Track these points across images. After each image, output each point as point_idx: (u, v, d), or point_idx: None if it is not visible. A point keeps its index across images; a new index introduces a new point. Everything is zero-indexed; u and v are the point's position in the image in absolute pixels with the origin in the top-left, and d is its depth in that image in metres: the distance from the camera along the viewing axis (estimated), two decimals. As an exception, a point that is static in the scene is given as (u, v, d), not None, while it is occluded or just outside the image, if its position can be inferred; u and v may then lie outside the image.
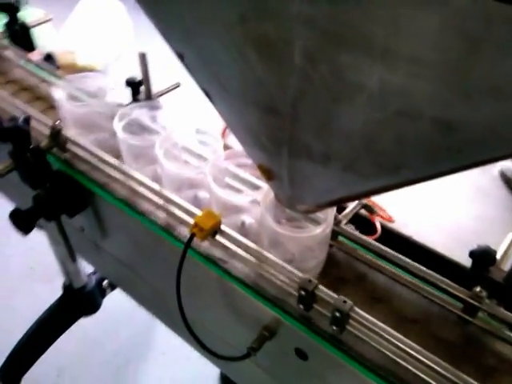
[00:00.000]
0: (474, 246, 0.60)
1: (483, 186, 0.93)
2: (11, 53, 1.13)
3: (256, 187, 0.71)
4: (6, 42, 1.15)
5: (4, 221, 0.83)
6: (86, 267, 1.29)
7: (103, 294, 1.49)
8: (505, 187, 0.93)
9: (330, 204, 0.57)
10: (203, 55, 0.50)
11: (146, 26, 0.53)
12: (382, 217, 0.73)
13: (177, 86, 0.98)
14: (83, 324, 1.48)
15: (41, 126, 0.86)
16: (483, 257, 0.59)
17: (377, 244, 0.65)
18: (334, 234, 0.67)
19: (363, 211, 0.72)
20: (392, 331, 0.54)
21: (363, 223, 0.72)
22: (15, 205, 1.14)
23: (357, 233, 0.67)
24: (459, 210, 0.88)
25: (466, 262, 0.62)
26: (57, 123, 0.82)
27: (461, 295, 0.58)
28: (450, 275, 0.63)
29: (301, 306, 0.60)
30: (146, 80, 0.90)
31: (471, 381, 0.49)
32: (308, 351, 0.63)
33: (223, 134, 0.83)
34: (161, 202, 0.72)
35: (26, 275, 1.88)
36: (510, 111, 0.35)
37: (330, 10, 0.35)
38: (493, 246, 0.61)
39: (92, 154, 0.79)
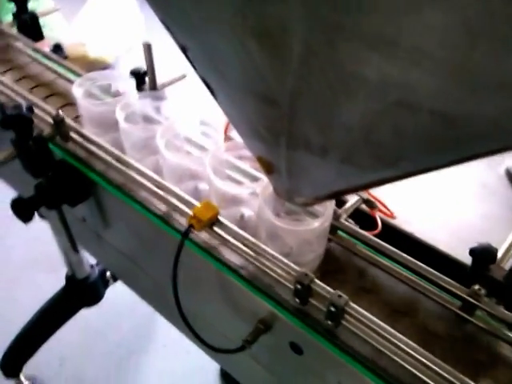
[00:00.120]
0: (474, 244, 0.59)
1: (489, 184, 0.91)
2: (19, 42, 1.13)
3: (256, 179, 0.71)
4: (14, 31, 1.15)
5: (7, 210, 0.84)
6: (90, 258, 1.29)
7: (106, 284, 1.50)
8: (511, 186, 0.91)
9: (328, 197, 0.56)
10: (204, 46, 0.49)
11: (157, 18, 0.52)
12: (383, 212, 0.72)
13: (183, 77, 0.97)
14: (86, 315, 1.49)
15: (45, 115, 0.86)
16: (483, 255, 0.58)
17: (376, 240, 0.64)
18: (334, 229, 0.67)
19: (364, 207, 0.72)
20: (387, 327, 0.53)
21: (364, 218, 0.71)
22: (18, 193, 1.14)
23: (356, 228, 0.66)
24: (464, 207, 0.87)
25: (469, 260, 0.61)
26: (59, 112, 0.82)
27: (459, 293, 0.57)
28: (451, 273, 0.62)
29: (297, 300, 0.59)
30: (150, 71, 0.89)
31: (464, 378, 0.48)
32: (303, 345, 0.62)
33: (226, 129, 0.83)
34: (160, 192, 0.71)
35: (30, 265, 1.90)
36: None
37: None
38: (497, 245, 0.60)
39: (93, 143, 0.79)
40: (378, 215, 0.71)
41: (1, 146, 0.84)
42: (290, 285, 0.59)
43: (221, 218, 0.65)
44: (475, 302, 0.56)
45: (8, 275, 1.87)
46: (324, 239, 0.65)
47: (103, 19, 2.62)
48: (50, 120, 0.83)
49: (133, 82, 0.91)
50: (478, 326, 0.57)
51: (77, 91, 0.83)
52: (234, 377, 0.92)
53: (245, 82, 0.50)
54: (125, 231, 0.90)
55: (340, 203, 0.70)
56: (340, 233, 0.68)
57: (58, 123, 0.82)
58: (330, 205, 0.62)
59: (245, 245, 0.63)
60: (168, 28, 0.50)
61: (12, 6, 1.15)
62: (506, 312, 0.55)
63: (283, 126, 0.49)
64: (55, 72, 1.05)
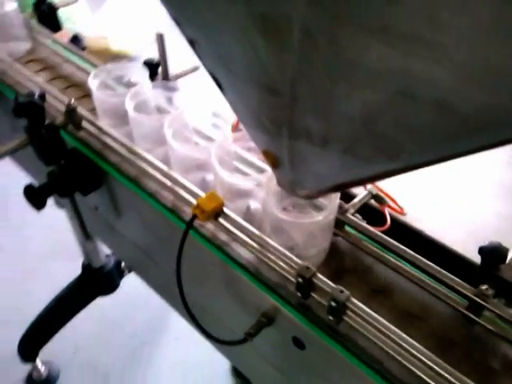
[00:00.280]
0: (484, 243, 0.57)
1: (507, 183, 0.88)
2: (38, 32, 1.14)
3: (263, 171, 0.70)
4: (33, 21, 1.16)
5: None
6: (105, 248, 1.30)
7: (121, 274, 1.51)
8: (530, 185, 0.88)
9: (331, 189, 0.55)
10: (209, 36, 0.49)
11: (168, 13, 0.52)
12: (392, 208, 0.70)
13: (195, 69, 0.97)
14: (101, 305, 1.51)
15: (59, 104, 0.87)
16: (493, 254, 0.56)
17: (382, 236, 0.63)
18: (340, 224, 0.65)
19: (373, 202, 0.70)
20: (389, 325, 0.52)
21: (373, 214, 0.69)
22: (34, 180, 1.16)
23: (363, 223, 0.65)
24: (479, 206, 0.84)
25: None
26: (72, 101, 0.82)
27: (466, 292, 0.55)
28: (461, 273, 0.60)
29: (298, 294, 0.58)
30: (163, 61, 0.89)
31: (468, 381, 0.47)
32: (305, 340, 0.62)
33: (238, 122, 0.82)
34: (167, 182, 0.71)
35: (47, 255, 1.93)
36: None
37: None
38: (512, 246, 0.58)
39: (104, 132, 0.79)
40: (387, 211, 0.69)
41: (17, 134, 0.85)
42: (292, 278, 0.58)
43: (226, 210, 0.64)
44: (482, 302, 0.54)
45: (25, 265, 1.91)
46: (329, 233, 0.64)
47: (126, 12, 2.63)
48: (63, 109, 0.83)
49: (146, 73, 0.91)
50: (485, 327, 0.55)
51: (92, 82, 0.83)
52: (241, 370, 0.91)
53: (248, 72, 0.49)
54: (135, 221, 0.91)
55: (348, 198, 0.68)
56: (347, 228, 0.66)
57: (70, 112, 0.82)
58: (335, 198, 0.61)
59: (249, 237, 0.63)
60: (177, 22, 0.50)
61: (33, -3, 1.17)
62: (513, 313, 0.53)
63: (285, 115, 0.48)
64: (73, 63, 1.06)
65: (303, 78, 0.43)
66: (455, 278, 0.57)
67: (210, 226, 0.68)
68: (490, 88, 0.34)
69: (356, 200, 0.68)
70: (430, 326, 0.58)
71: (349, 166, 0.48)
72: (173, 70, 0.94)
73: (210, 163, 0.70)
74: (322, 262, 0.65)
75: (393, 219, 0.70)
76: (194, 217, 0.63)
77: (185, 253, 0.64)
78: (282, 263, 0.59)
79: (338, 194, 0.61)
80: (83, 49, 1.26)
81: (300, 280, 0.57)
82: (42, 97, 0.80)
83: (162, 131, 0.73)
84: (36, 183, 0.85)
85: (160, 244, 0.87)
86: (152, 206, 0.76)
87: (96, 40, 2.48)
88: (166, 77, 0.91)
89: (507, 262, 0.57)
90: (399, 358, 0.51)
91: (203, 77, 1.01)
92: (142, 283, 1.10)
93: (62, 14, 1.48)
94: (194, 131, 0.81)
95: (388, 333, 0.51)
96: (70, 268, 1.44)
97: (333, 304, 0.54)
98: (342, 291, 0.53)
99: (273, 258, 0.60)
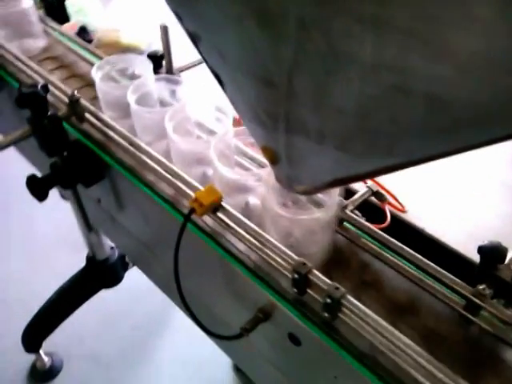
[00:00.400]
0: (483, 242, 0.57)
1: (511, 183, 0.87)
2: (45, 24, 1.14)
3: (264, 166, 0.70)
4: (41, 12, 1.17)
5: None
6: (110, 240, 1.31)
7: (125, 267, 1.51)
8: (535, 186, 0.87)
9: (328, 185, 0.54)
10: (207, 28, 0.49)
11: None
12: (393, 206, 0.70)
13: (200, 62, 0.97)
14: (105, 297, 1.51)
15: (62, 96, 0.87)
16: (492, 253, 0.55)
17: (381, 233, 0.62)
18: (339, 220, 0.65)
19: (374, 199, 0.70)
20: (384, 323, 0.51)
21: (373, 211, 0.69)
22: (38, 172, 1.16)
23: (361, 220, 0.64)
24: (482, 206, 0.83)
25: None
26: (75, 92, 0.82)
27: (463, 292, 0.55)
28: (461, 272, 0.59)
29: (295, 290, 0.58)
30: (167, 54, 0.89)
31: (460, 380, 0.46)
32: (301, 336, 0.61)
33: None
34: (167, 176, 0.71)
35: (56, 245, 1.94)
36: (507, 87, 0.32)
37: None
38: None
39: (106, 124, 0.79)
40: (387, 208, 0.69)
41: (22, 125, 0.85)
42: (288, 274, 0.58)
43: (224, 204, 0.64)
44: (479, 302, 0.53)
45: (33, 255, 1.92)
46: (329, 230, 0.63)
47: (138, 4, 2.63)
48: (66, 100, 0.84)
49: (150, 66, 0.91)
50: (482, 327, 0.54)
51: (96, 74, 0.83)
52: (239, 366, 0.91)
53: (246, 65, 0.49)
54: (137, 214, 0.91)
55: (348, 194, 0.68)
56: (346, 224, 0.66)
57: (74, 103, 0.82)
58: (335, 194, 0.60)
59: (246, 232, 0.62)
60: (177, 16, 0.50)
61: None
62: (510, 313, 0.52)
63: (281, 109, 0.47)
64: (78, 54, 1.06)
65: (299, 70, 0.43)
66: (453, 277, 0.57)
67: (208, 220, 0.68)
68: (487, 83, 0.33)
69: (356, 196, 0.67)
70: (425, 324, 0.57)
71: (345, 162, 0.47)
72: (177, 62, 0.94)
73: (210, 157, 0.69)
74: (324, 260, 0.64)
75: (393, 216, 0.69)
76: (192, 210, 0.63)
77: (184, 247, 0.64)
78: (278, 259, 0.59)
79: (338, 191, 0.60)
80: (90, 41, 1.26)
81: (296, 276, 0.56)
82: (45, 87, 0.80)
83: (163, 124, 0.73)
84: (39, 174, 0.85)
85: (160, 237, 0.87)
86: (152, 199, 0.75)
87: (107, 32, 2.48)
88: (170, 69, 0.91)
89: (507, 262, 0.56)
90: (393, 357, 0.50)
91: (207, 71, 1.01)
92: (145, 276, 1.10)
93: (74, 5, 1.49)
94: (196, 125, 0.80)
95: (382, 331, 0.51)
96: (76, 259, 1.45)
97: (328, 301, 0.53)
98: (337, 288, 0.53)
99: (270, 253, 0.60)
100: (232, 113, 0.78)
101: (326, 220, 0.61)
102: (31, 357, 1.59)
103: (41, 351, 1.57)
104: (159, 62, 0.92)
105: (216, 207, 0.64)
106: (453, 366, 0.48)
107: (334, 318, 0.55)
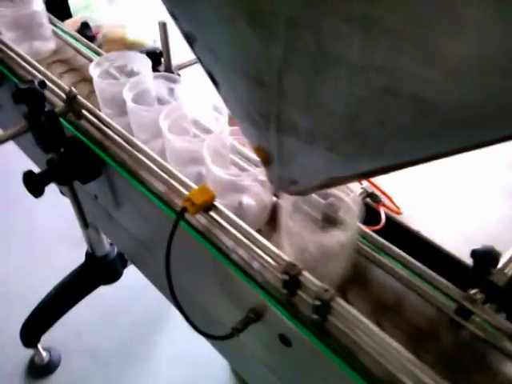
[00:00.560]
0: (477, 246, 0.56)
1: (510, 186, 0.86)
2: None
3: (259, 166, 0.69)
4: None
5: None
6: (109, 237, 1.31)
7: (124, 264, 1.51)
8: (534, 189, 0.86)
9: (321, 186, 0.54)
10: (200, 27, 0.48)
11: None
12: (388, 208, 0.69)
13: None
14: (104, 293, 1.52)
15: (60, 92, 0.87)
16: (485, 258, 0.55)
17: (372, 234, 0.62)
18: (332, 221, 0.64)
19: (369, 200, 0.69)
20: (373, 326, 0.51)
21: (368, 212, 0.68)
22: (38, 167, 1.16)
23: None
24: (481, 209, 0.83)
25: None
26: (73, 89, 0.82)
27: (454, 296, 0.54)
28: (455, 275, 0.59)
29: (285, 291, 0.58)
30: (165, 51, 0.89)
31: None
32: (291, 338, 0.61)
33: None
34: (162, 174, 0.71)
35: (56, 240, 1.94)
36: (499, 90, 0.32)
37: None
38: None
39: (102, 121, 0.79)
40: (382, 210, 0.68)
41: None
42: (280, 275, 0.58)
43: (217, 204, 0.63)
44: (470, 306, 0.53)
45: (34, 250, 1.92)
46: (348, 251, 0.60)
47: (144, 1, 2.63)
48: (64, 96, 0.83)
49: (149, 63, 0.90)
50: (473, 332, 0.54)
51: (93, 71, 0.82)
52: (233, 367, 0.91)
53: (238, 64, 0.48)
54: (133, 212, 0.91)
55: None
56: (339, 226, 0.65)
57: (71, 100, 0.82)
58: (356, 212, 0.57)
59: (239, 232, 0.62)
60: (173, 16, 0.50)
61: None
62: (500, 319, 0.51)
63: (273, 108, 0.47)
64: (77, 50, 1.06)
65: (288, 70, 0.42)
66: (444, 280, 0.56)
67: (202, 220, 0.68)
68: (476, 86, 0.33)
69: (350, 198, 0.67)
70: (416, 327, 0.57)
71: (336, 163, 0.47)
72: (176, 60, 0.94)
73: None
74: (341, 279, 0.61)
75: (388, 218, 0.69)
76: (184, 210, 0.63)
77: (178, 245, 0.64)
78: (270, 259, 0.59)
79: (359, 207, 0.57)
80: (92, 37, 1.26)
81: (286, 277, 0.56)
82: (43, 83, 0.80)
83: (159, 123, 0.73)
84: (38, 170, 0.85)
85: (155, 236, 0.87)
86: (147, 197, 0.75)
87: (113, 28, 2.48)
88: (168, 67, 0.90)
89: (500, 266, 0.55)
90: (381, 360, 0.50)
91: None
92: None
93: (80, 0, 1.48)
94: (193, 123, 0.80)
95: (371, 334, 0.50)
96: (76, 255, 1.45)
97: (317, 303, 0.53)
98: (326, 290, 0.53)
99: (261, 253, 0.59)
100: (227, 112, 0.78)
101: (346, 241, 0.58)
102: (30, 351, 1.59)
103: (39, 346, 1.57)
104: (158, 59, 0.91)
105: (208, 206, 0.63)
106: (442, 371, 0.48)
107: (324, 320, 0.54)
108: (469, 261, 0.64)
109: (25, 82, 0.79)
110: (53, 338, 1.57)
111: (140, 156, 0.73)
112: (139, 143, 0.74)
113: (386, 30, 0.33)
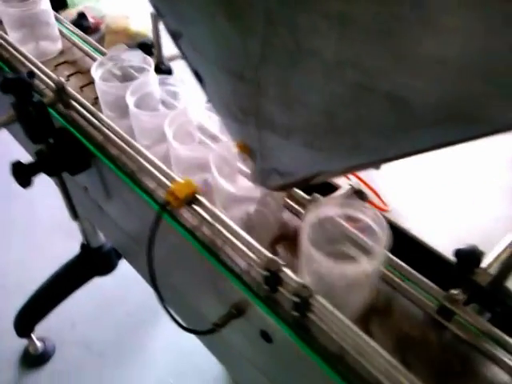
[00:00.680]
0: (461, 245, 0.55)
1: (506, 185, 0.85)
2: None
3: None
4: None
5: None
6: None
7: (119, 255, 1.52)
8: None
9: (302, 181, 0.53)
10: (183, 23, 0.48)
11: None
12: (374, 205, 0.68)
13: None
14: (99, 283, 1.52)
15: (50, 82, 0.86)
16: (468, 257, 0.54)
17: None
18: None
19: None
20: (351, 324, 0.50)
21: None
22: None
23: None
24: (477, 208, 0.81)
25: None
26: (61, 79, 0.81)
27: (436, 296, 0.54)
28: (440, 275, 0.58)
29: (266, 287, 0.57)
30: (157, 43, 0.88)
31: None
32: (271, 334, 0.61)
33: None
34: (148, 167, 0.70)
35: (55, 230, 1.94)
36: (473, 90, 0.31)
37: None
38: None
39: (92, 113, 0.78)
40: (369, 206, 0.67)
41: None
42: (262, 271, 0.57)
43: (199, 197, 0.63)
44: (451, 307, 0.52)
45: (34, 241, 1.92)
46: (373, 280, 0.56)
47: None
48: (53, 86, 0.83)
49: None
50: (454, 333, 0.53)
51: (95, 72, 0.78)
52: (219, 361, 0.91)
53: (221, 59, 0.48)
54: (121, 204, 0.90)
55: (329, 191, 0.66)
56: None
57: (59, 90, 0.82)
58: (383, 240, 0.52)
59: (223, 227, 0.61)
60: (158, 12, 0.49)
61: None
62: (480, 320, 0.51)
63: (252, 104, 0.47)
64: (73, 43, 1.04)
65: (266, 65, 0.42)
66: (426, 280, 0.55)
67: (187, 214, 0.67)
68: (449, 86, 0.32)
69: (336, 194, 0.66)
70: (398, 327, 0.56)
71: (313, 158, 0.46)
72: (168, 52, 0.93)
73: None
74: (364, 310, 0.58)
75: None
76: (167, 203, 0.62)
77: (164, 239, 0.64)
78: (252, 255, 0.58)
79: (387, 234, 0.53)
80: (88, 28, 1.25)
81: (267, 273, 0.55)
82: (31, 74, 0.79)
83: (162, 128, 0.69)
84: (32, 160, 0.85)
85: (143, 230, 0.86)
86: (133, 190, 0.75)
87: (116, 19, 2.46)
88: (159, 59, 0.90)
89: (484, 266, 0.55)
90: (359, 358, 0.49)
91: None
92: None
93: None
94: (199, 129, 0.76)
95: (349, 332, 0.50)
96: (74, 245, 1.45)
97: (295, 299, 0.52)
98: (305, 287, 0.52)
99: (244, 249, 0.59)
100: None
101: (371, 271, 0.53)
102: (25, 341, 1.59)
103: (33, 336, 1.58)
104: (149, 50, 0.90)
105: (191, 200, 0.63)
106: (422, 372, 0.47)
107: (303, 316, 0.54)
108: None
109: (13, 72, 0.78)
110: (47, 328, 1.57)
111: (128, 149, 0.72)
112: (129, 138, 0.73)
113: (361, 27, 0.32)
